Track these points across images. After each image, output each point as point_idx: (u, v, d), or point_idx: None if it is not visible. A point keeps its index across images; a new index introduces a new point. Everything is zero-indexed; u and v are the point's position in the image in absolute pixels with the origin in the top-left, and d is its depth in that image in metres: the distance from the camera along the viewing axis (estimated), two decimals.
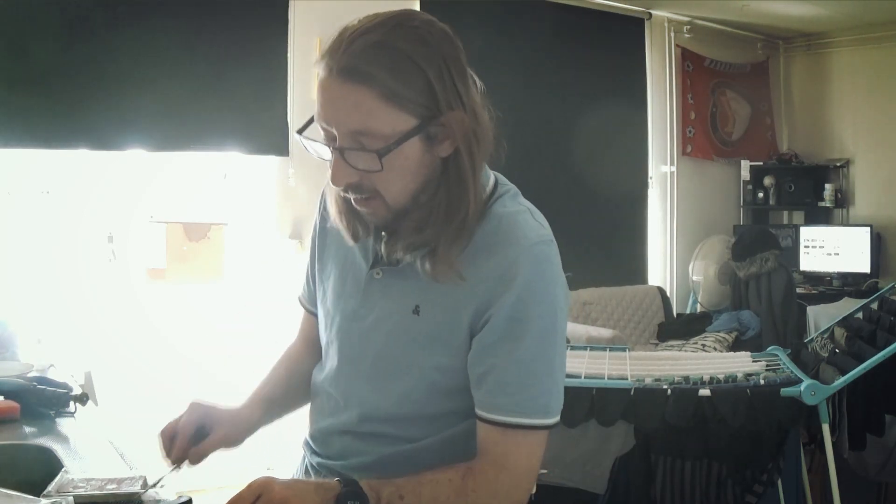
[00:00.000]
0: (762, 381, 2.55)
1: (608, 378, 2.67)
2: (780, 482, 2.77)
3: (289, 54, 4.01)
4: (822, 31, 5.97)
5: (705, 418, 2.51)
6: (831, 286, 5.59)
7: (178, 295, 3.94)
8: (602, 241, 5.21)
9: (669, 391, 2.54)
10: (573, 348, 3.23)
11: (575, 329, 4.02)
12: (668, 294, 5.22)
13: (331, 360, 1.29)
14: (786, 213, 6.27)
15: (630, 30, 5.46)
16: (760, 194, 6.04)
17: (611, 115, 5.08)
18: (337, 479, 1.08)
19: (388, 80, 1.06)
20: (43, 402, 1.73)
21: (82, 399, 1.76)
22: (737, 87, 5.99)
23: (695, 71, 5.72)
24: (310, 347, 1.40)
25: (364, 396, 1.23)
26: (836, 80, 6.05)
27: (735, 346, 4.12)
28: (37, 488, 1.22)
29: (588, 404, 2.56)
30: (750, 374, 2.65)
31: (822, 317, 4.43)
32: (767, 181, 6.02)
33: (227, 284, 4.04)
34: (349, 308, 1.26)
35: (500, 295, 1.12)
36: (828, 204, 5.92)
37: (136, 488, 1.23)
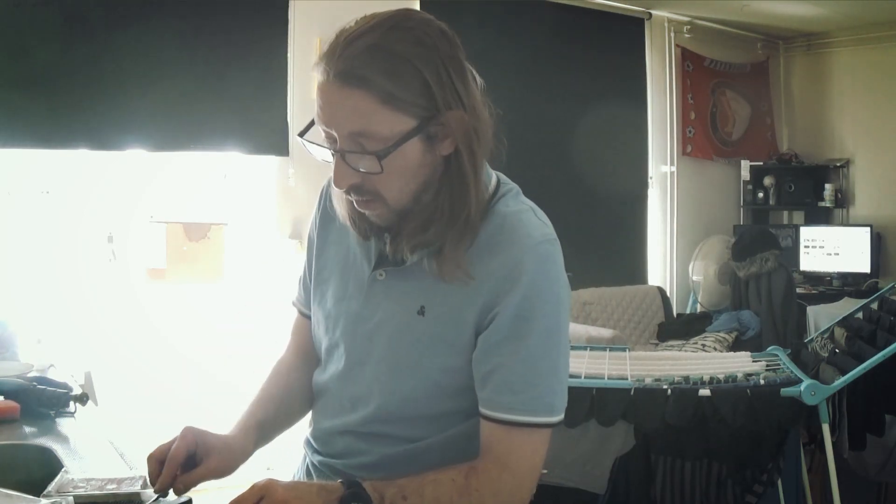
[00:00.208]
0: (762, 381, 2.55)
1: (608, 378, 2.67)
2: (780, 482, 2.77)
3: (289, 54, 4.01)
4: (822, 31, 5.97)
5: (705, 418, 2.51)
6: (831, 286, 5.59)
7: (178, 295, 3.94)
8: (602, 241, 5.22)
9: (669, 391, 2.54)
10: (573, 348, 3.22)
11: (575, 329, 4.02)
12: (668, 294, 5.22)
13: (335, 362, 1.28)
14: (786, 213, 6.27)
15: (630, 30, 5.46)
16: (760, 194, 6.04)
17: (611, 115, 5.08)
18: (340, 480, 1.08)
19: (385, 83, 1.06)
20: (43, 402, 1.73)
21: (82, 399, 1.76)
22: (737, 87, 5.99)
23: (695, 71, 5.72)
24: (303, 357, 1.38)
25: (369, 398, 1.23)
26: (835, 80, 6.05)
27: (735, 346, 4.12)
28: (37, 488, 1.22)
29: (588, 404, 2.56)
30: (750, 374, 2.65)
31: (822, 317, 4.43)
32: (767, 181, 6.02)
33: (227, 284, 4.04)
34: (352, 310, 1.25)
35: (506, 293, 1.13)
36: (828, 204, 5.92)
37: (136, 488, 1.23)
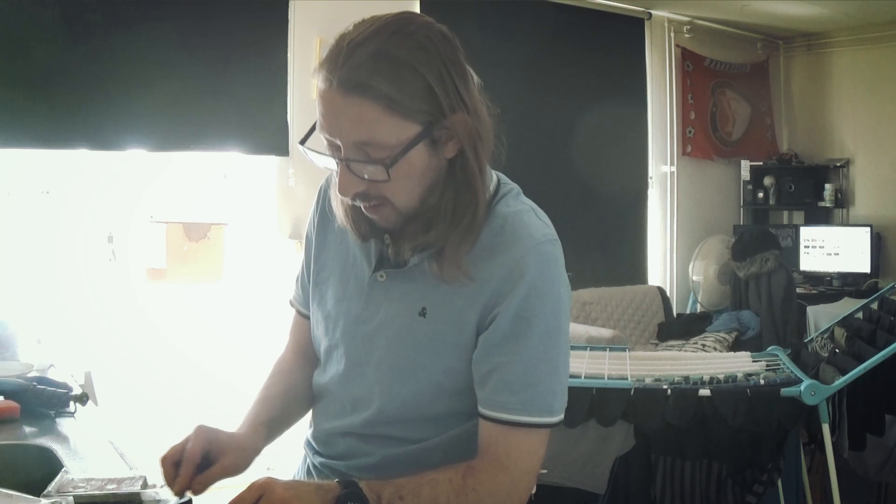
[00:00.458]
0: (762, 381, 2.55)
1: (608, 378, 2.67)
2: (780, 482, 2.77)
3: (289, 54, 4.01)
4: (822, 31, 5.97)
5: (705, 418, 2.51)
6: (831, 286, 5.59)
7: (178, 295, 3.94)
8: (602, 241, 5.22)
9: (669, 391, 2.54)
10: (573, 348, 3.23)
11: (575, 329, 4.02)
12: (668, 294, 5.22)
13: (335, 364, 1.28)
14: (786, 213, 6.27)
15: (630, 30, 5.46)
16: (760, 194, 6.04)
17: (611, 115, 5.08)
18: (336, 480, 1.08)
19: (389, 91, 1.05)
20: (43, 402, 1.73)
21: (82, 399, 1.76)
22: (737, 87, 5.99)
23: (695, 71, 5.72)
24: (302, 356, 1.38)
25: (370, 400, 1.23)
26: (835, 80, 6.04)
27: (735, 346, 4.12)
28: (37, 488, 1.22)
29: (588, 404, 2.56)
30: (750, 374, 2.65)
31: (822, 317, 4.43)
32: (767, 181, 6.02)
33: (227, 285, 4.04)
34: (353, 311, 1.25)
35: (507, 293, 1.13)
36: (828, 204, 5.92)
37: (136, 488, 1.23)
